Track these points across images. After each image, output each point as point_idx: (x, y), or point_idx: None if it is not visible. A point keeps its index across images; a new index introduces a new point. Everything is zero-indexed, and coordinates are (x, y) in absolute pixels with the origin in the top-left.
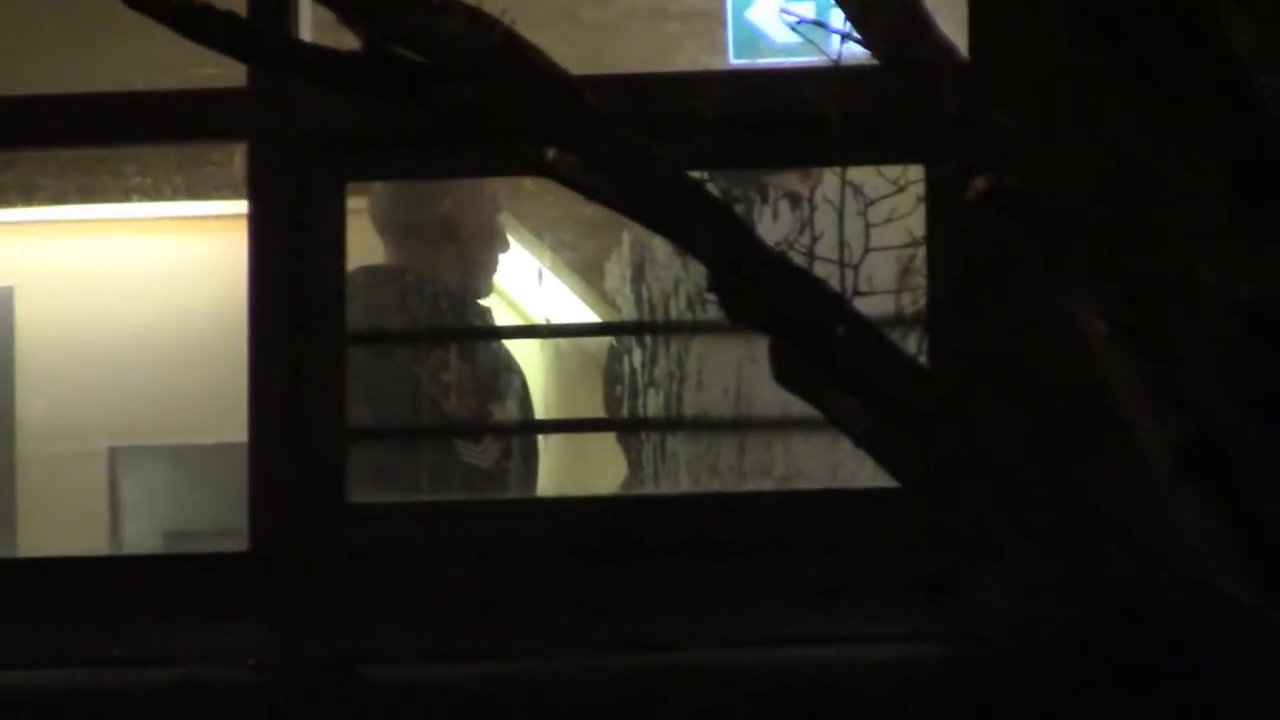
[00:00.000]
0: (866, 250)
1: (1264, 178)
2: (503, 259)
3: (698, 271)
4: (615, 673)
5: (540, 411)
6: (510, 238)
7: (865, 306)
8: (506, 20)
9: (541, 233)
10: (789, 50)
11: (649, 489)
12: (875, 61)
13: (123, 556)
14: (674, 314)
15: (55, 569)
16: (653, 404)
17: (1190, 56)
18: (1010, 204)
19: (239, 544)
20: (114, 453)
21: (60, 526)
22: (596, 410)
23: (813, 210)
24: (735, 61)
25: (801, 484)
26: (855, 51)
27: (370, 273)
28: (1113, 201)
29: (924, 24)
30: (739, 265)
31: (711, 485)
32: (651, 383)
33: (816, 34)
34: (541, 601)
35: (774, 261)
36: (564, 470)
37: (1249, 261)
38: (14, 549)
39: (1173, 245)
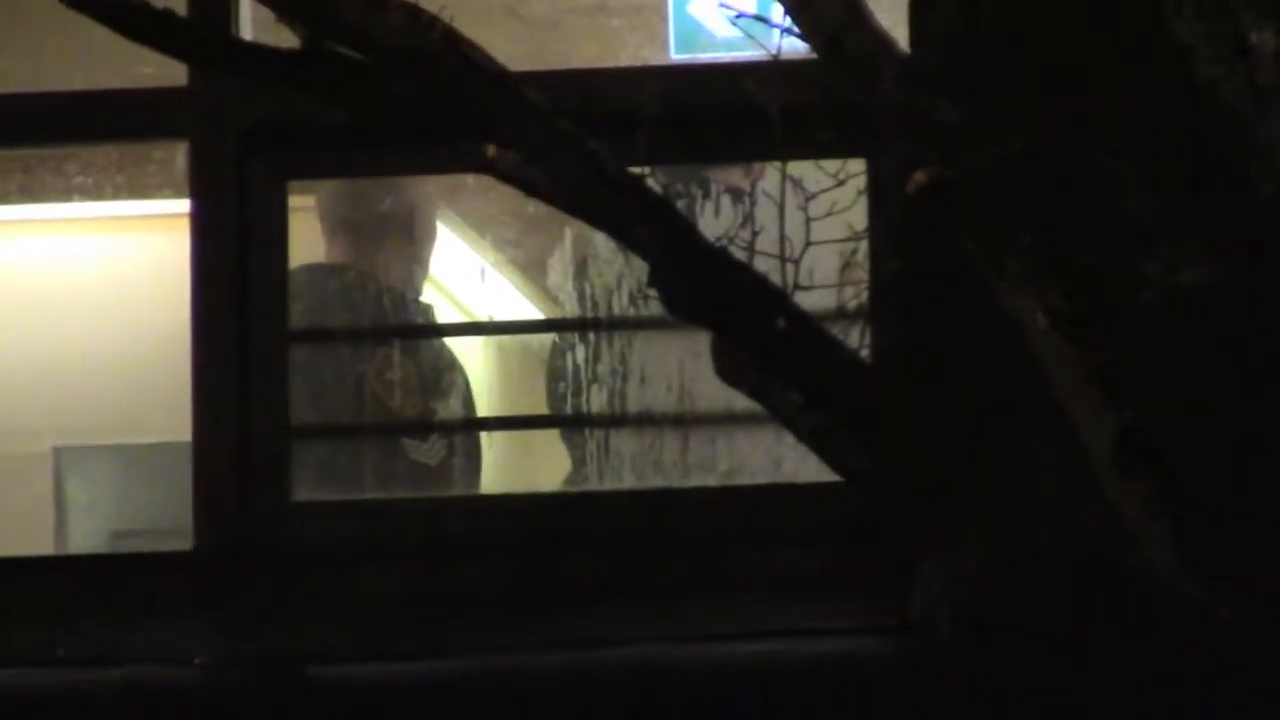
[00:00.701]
0: (807, 245)
1: (1201, 168)
2: (433, 255)
3: (640, 267)
4: (559, 669)
5: (484, 409)
6: (453, 234)
7: (806, 301)
8: (445, 17)
9: (483, 229)
10: (729, 45)
11: (593, 485)
12: (814, 55)
13: (67, 556)
14: (616, 310)
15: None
16: (596, 400)
17: (1130, 49)
18: (950, 197)
19: (185, 543)
20: (58, 453)
21: (5, 527)
22: (540, 407)
23: (753, 205)
24: (676, 56)
25: (745, 479)
26: (795, 45)
27: (313, 270)
28: (1050, 194)
29: (862, 17)
30: (680, 261)
31: (655, 481)
32: (594, 379)
33: (757, 28)
34: (485, 599)
35: (715, 257)
36: (508, 467)
37: (1186, 251)
38: None
39: (1110, 237)
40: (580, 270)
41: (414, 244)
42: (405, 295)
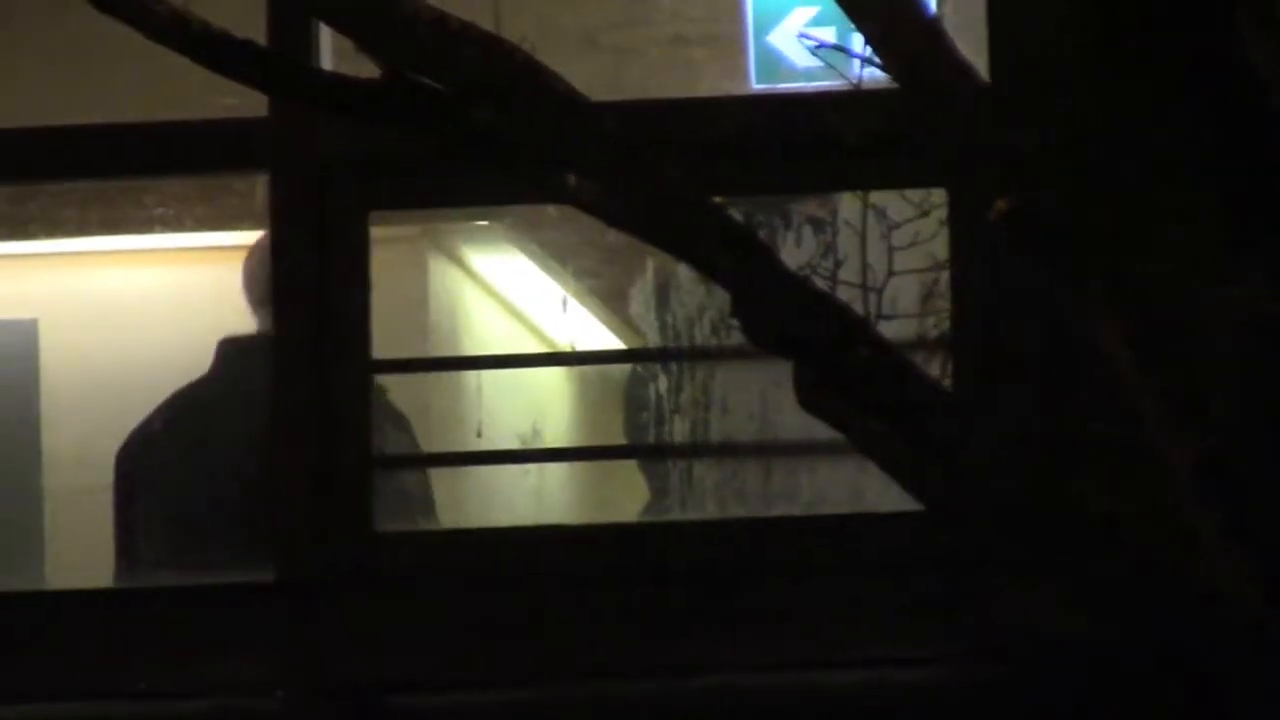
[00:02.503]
0: (890, 274)
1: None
2: None
3: (721, 297)
4: (640, 698)
5: (566, 439)
6: (534, 265)
7: (888, 330)
8: (526, 47)
9: (565, 259)
10: (810, 74)
11: (674, 515)
12: (895, 84)
13: (149, 588)
14: (698, 339)
15: (82, 601)
16: (677, 430)
17: (1203, 74)
18: (1029, 226)
19: (266, 573)
20: None
21: (86, 558)
22: (620, 437)
23: (835, 234)
24: (756, 86)
25: (827, 509)
26: (876, 75)
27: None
28: (1128, 221)
29: (942, 46)
30: (762, 290)
31: (737, 511)
32: (676, 409)
33: (837, 58)
34: (567, 628)
35: (797, 286)
36: (589, 498)
37: (1266, 278)
38: (41, 581)
39: (1189, 263)
40: (661, 300)
41: None
42: None
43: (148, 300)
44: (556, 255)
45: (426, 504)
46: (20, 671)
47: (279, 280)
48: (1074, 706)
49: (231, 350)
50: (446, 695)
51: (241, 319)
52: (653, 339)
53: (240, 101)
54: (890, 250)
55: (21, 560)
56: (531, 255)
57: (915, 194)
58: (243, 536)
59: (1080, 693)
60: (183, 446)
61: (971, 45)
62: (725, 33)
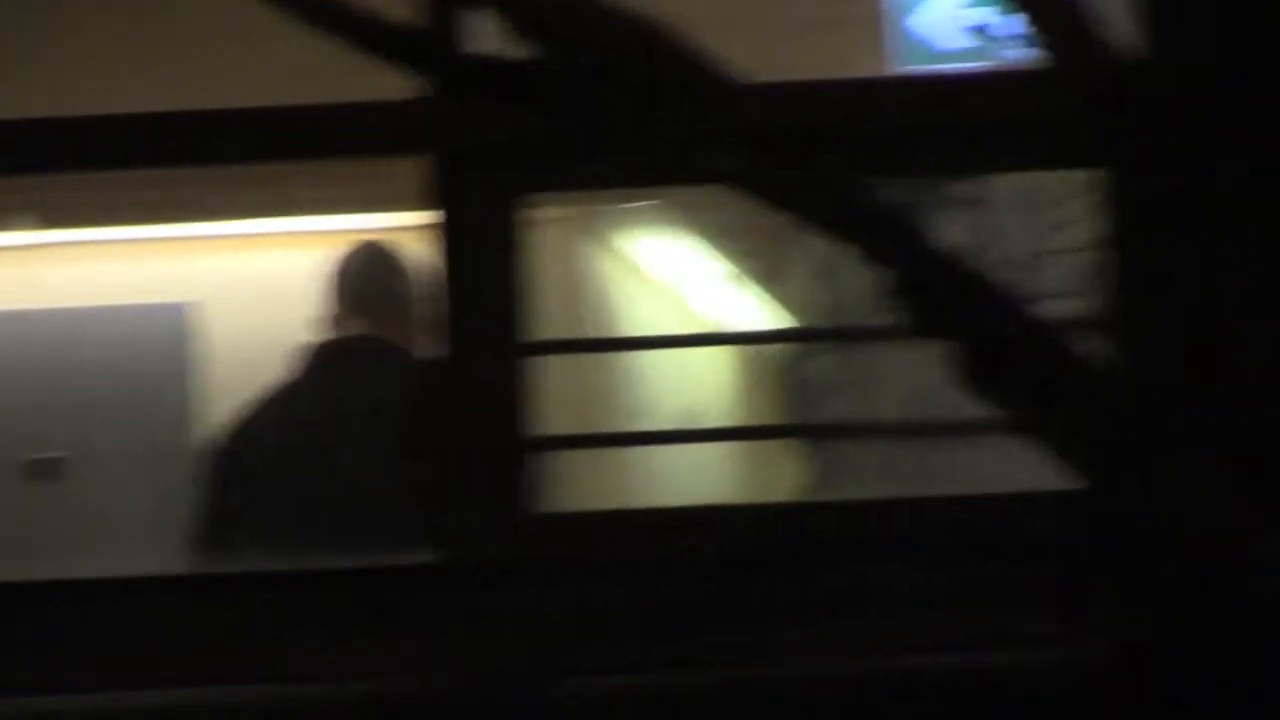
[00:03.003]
0: (1043, 254)
1: None
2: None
3: (877, 277)
4: (800, 681)
5: (723, 419)
6: (692, 245)
7: (1043, 310)
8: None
9: (722, 240)
10: (955, 56)
11: (832, 495)
12: (1043, 65)
13: (306, 570)
14: (854, 319)
15: (241, 583)
16: (835, 410)
17: None
18: (1177, 206)
19: (423, 556)
20: None
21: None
22: (778, 417)
23: (988, 215)
24: (903, 69)
25: (984, 488)
26: (1026, 55)
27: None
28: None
29: (1092, 26)
30: (916, 271)
31: (895, 490)
32: (833, 389)
33: (983, 39)
34: (725, 610)
35: (951, 266)
36: (748, 478)
37: None
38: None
39: None
40: (818, 280)
41: None
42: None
43: (304, 284)
44: (714, 236)
45: None
46: (169, 657)
47: (434, 262)
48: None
49: (326, 352)
50: (604, 679)
51: None
52: (810, 319)
53: (396, 85)
54: (1043, 230)
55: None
56: (689, 236)
57: (1068, 174)
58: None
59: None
60: (293, 440)
61: (1123, 24)
62: (870, 14)
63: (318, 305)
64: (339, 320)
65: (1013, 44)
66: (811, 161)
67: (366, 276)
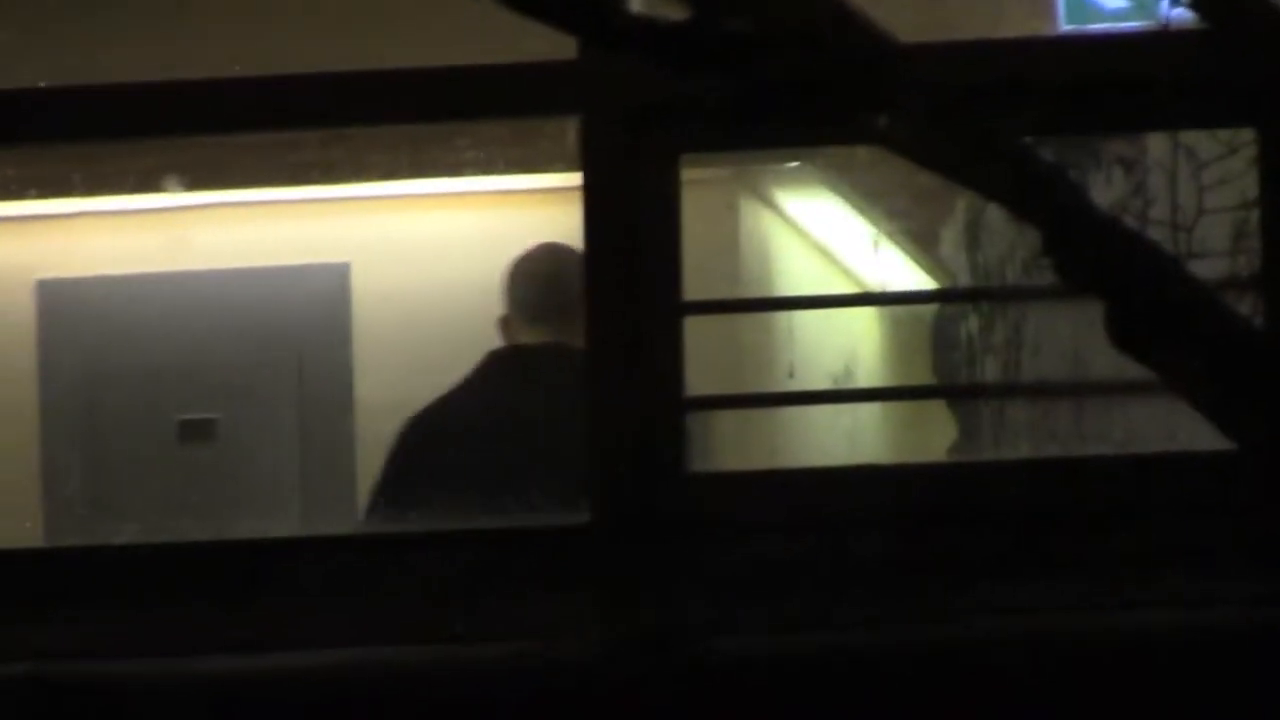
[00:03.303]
0: (1200, 213)
1: None
2: None
3: (1032, 236)
4: (954, 641)
5: (876, 379)
6: (844, 206)
7: (1199, 269)
8: None
9: (875, 201)
10: (1119, 15)
11: (986, 455)
12: (1204, 24)
13: (463, 530)
14: (1009, 279)
15: (396, 545)
16: (989, 370)
17: None
18: None
19: (581, 516)
20: None
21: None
22: (931, 377)
23: (1145, 174)
24: (1065, 27)
25: (1139, 448)
26: (1184, 15)
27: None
28: None
29: None
30: (1072, 230)
31: (1050, 450)
32: (987, 349)
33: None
34: (879, 570)
35: (1108, 225)
36: (901, 438)
37: None
38: (355, 525)
39: None
40: (972, 240)
41: None
42: None
43: (459, 244)
44: (867, 196)
45: None
46: (334, 616)
47: (589, 222)
48: None
49: (504, 361)
50: (759, 638)
51: None
52: (963, 279)
53: (550, 45)
54: (1200, 189)
55: (336, 505)
56: (842, 196)
57: (1224, 133)
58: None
59: None
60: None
61: None
62: None
63: (501, 306)
64: (524, 326)
65: (1173, 4)
66: (969, 121)
67: (548, 282)
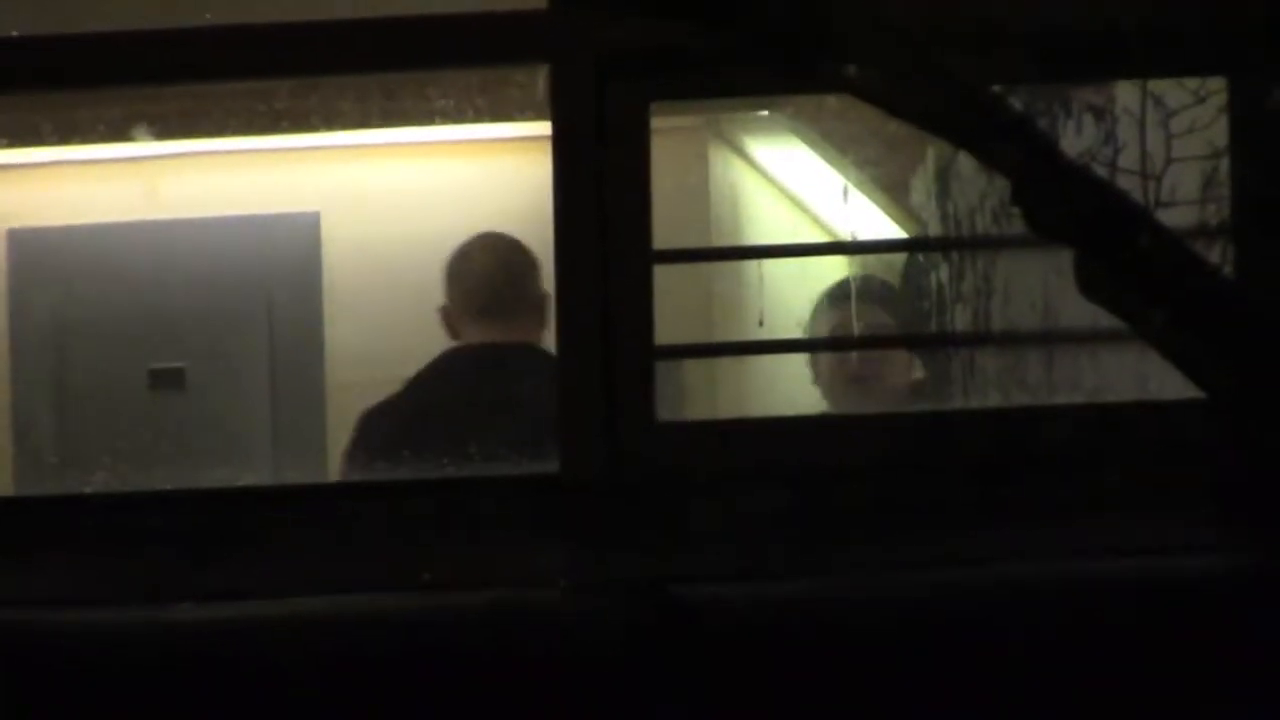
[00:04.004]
0: (1168, 162)
1: None
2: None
3: (1002, 185)
4: (928, 589)
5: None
6: (814, 155)
7: (1168, 217)
8: None
9: (845, 149)
10: None
11: (956, 404)
12: None
13: (431, 480)
14: (979, 228)
15: (362, 493)
16: (959, 319)
17: None
18: None
19: (550, 465)
20: None
21: None
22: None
23: (1114, 122)
24: None
25: (1110, 397)
26: None
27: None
28: None
29: None
30: (1041, 178)
31: (1019, 399)
32: (957, 298)
33: None
34: (846, 519)
35: (1076, 174)
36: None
37: None
38: (325, 474)
39: None
40: (942, 188)
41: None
42: None
43: (430, 193)
44: (837, 145)
45: None
46: (302, 565)
47: (558, 171)
48: None
49: (456, 358)
50: (728, 586)
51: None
52: (933, 228)
53: None
54: (1169, 138)
55: (305, 454)
56: (812, 145)
57: (1193, 81)
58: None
59: None
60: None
61: None
62: None
63: (443, 296)
64: (470, 321)
65: None
66: (938, 69)
67: (494, 277)
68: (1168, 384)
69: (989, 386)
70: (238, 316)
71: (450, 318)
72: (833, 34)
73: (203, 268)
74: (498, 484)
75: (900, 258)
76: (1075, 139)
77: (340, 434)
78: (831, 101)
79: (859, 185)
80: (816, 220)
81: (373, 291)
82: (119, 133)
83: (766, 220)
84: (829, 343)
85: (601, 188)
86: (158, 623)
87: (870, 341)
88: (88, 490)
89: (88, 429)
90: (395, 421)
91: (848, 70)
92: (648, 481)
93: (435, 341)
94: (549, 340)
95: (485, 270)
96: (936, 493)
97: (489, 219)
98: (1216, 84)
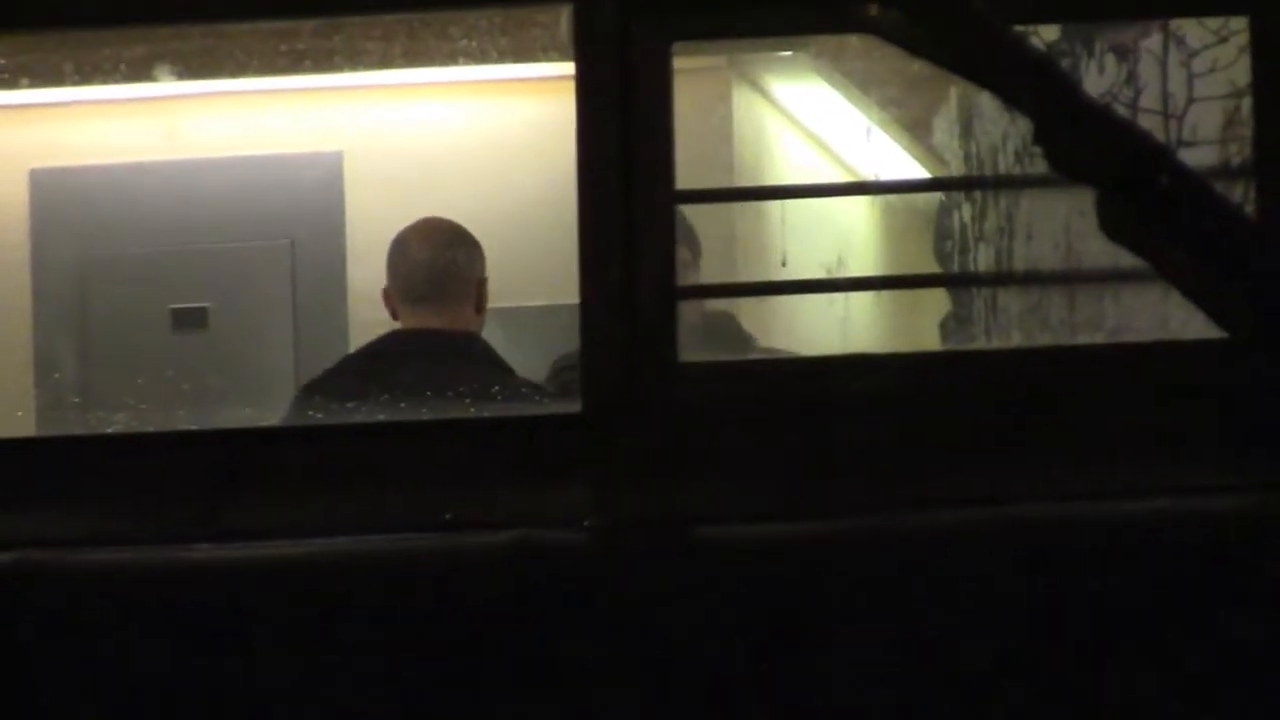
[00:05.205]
0: (1190, 101)
1: None
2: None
3: (1024, 125)
4: (946, 528)
5: (871, 268)
6: (837, 94)
7: (1190, 157)
8: None
9: (868, 89)
10: None
11: (979, 344)
12: None
13: (455, 419)
14: (1001, 168)
15: (388, 434)
16: (982, 259)
17: None
18: None
19: (572, 405)
20: None
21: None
22: (926, 266)
23: (1136, 62)
24: None
25: (1132, 337)
26: None
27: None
28: None
29: None
30: (1064, 118)
31: (1042, 339)
32: (980, 237)
33: None
34: (870, 458)
35: (1099, 113)
36: (893, 326)
37: None
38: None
39: None
40: (965, 129)
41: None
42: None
43: (452, 133)
44: (860, 85)
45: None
46: (325, 506)
47: (581, 111)
48: None
49: (393, 340)
50: (750, 526)
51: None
52: (956, 168)
53: None
54: (1190, 78)
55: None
56: (835, 85)
57: (1214, 21)
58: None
59: None
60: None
61: None
62: None
63: (386, 279)
64: (405, 307)
65: None
66: (961, 8)
67: (430, 265)
68: (1190, 324)
69: (1011, 326)
70: (260, 256)
71: (390, 300)
72: None
73: (225, 207)
74: (521, 423)
75: (926, 197)
76: (1097, 79)
77: None
78: (854, 41)
79: (882, 125)
80: (839, 160)
81: (394, 231)
82: (141, 72)
83: (789, 160)
84: (849, 283)
85: (624, 128)
86: (180, 563)
87: (894, 282)
88: (110, 430)
89: (110, 369)
90: (331, 398)
91: (871, 9)
92: (670, 421)
93: None
94: (502, 323)
95: (419, 258)
96: (961, 431)
97: (513, 159)
98: (1239, 23)
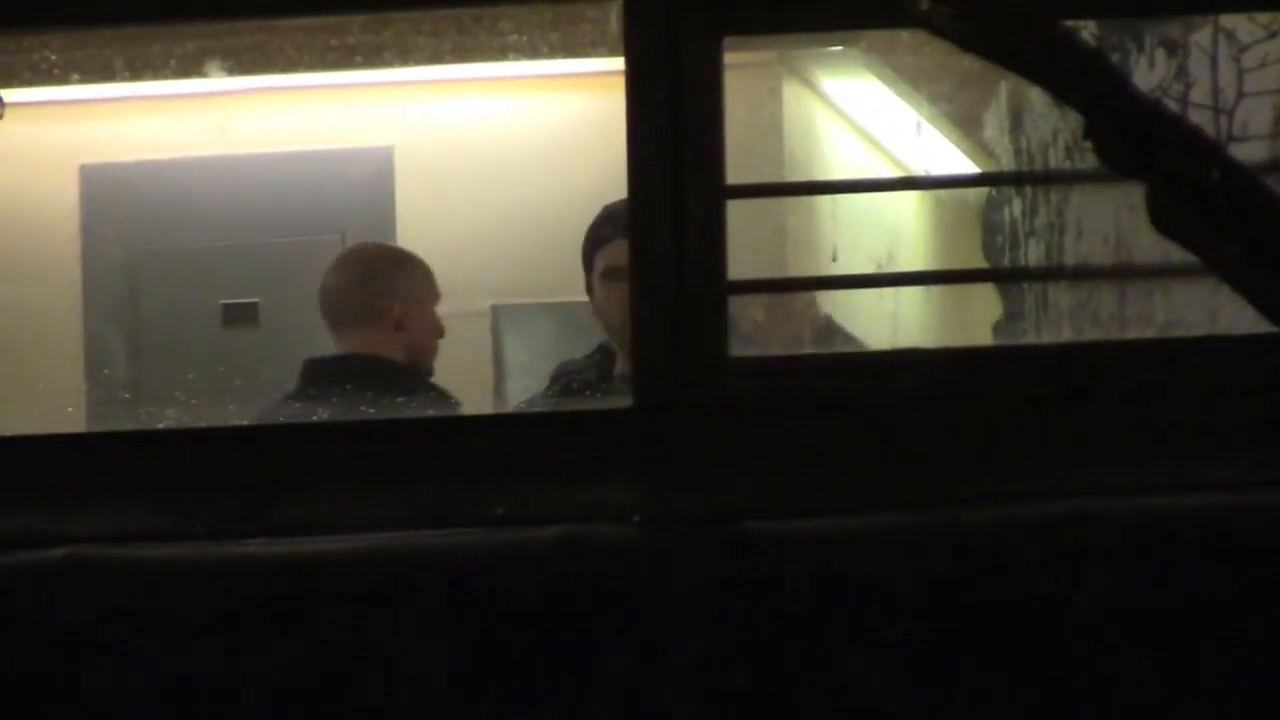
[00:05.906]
0: (1240, 96)
1: None
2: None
3: (1074, 120)
4: (996, 523)
5: (919, 263)
6: (887, 89)
7: (1240, 152)
8: None
9: (918, 84)
10: None
11: (1029, 339)
12: None
13: (506, 415)
14: (1051, 163)
15: (439, 429)
16: (1032, 254)
17: None
18: None
19: (624, 400)
20: (496, 311)
21: (444, 385)
22: (975, 261)
23: (1187, 57)
24: None
25: (1181, 332)
26: None
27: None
28: None
29: None
30: (1114, 113)
31: (1091, 334)
32: (1030, 232)
33: None
34: (920, 453)
35: (1149, 109)
36: (944, 321)
37: None
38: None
39: None
40: (1015, 123)
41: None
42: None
43: (502, 128)
44: (910, 80)
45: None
46: (375, 500)
47: (631, 106)
48: None
49: (310, 367)
50: (801, 521)
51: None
52: (1006, 163)
53: None
54: (1240, 72)
55: None
56: (885, 80)
57: (1264, 16)
58: None
59: None
60: None
61: None
62: None
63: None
64: (330, 334)
65: None
66: (1011, 4)
67: (346, 291)
68: (1240, 319)
69: (1062, 321)
70: (311, 251)
71: (330, 331)
72: None
73: (276, 203)
74: (572, 419)
75: (975, 192)
76: (1148, 74)
77: None
78: (905, 36)
79: (932, 120)
80: (889, 155)
81: (445, 226)
82: (191, 68)
83: (840, 155)
84: (900, 278)
85: (675, 123)
86: (230, 558)
87: (945, 277)
88: (161, 426)
89: (160, 365)
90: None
91: (921, 5)
92: (720, 416)
93: (510, 274)
94: (414, 345)
95: (333, 285)
96: (1007, 427)
97: (563, 154)
98: None
